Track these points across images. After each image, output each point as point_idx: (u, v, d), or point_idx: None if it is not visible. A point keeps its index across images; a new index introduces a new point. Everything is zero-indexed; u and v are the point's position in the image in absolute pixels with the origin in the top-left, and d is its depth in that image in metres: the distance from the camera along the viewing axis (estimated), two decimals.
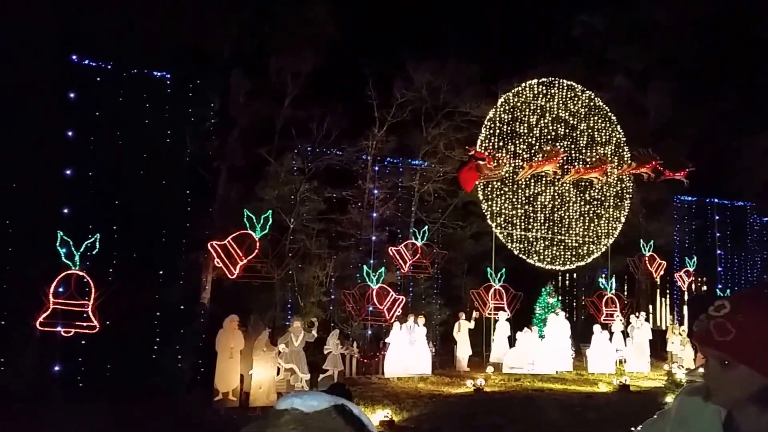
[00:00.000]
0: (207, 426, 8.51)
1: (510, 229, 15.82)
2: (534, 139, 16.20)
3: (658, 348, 16.53)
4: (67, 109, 10.08)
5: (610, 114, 17.16)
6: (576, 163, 16.52)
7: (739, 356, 1.21)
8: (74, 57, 10.19)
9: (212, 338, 9.67)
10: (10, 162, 9.34)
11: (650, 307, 19.85)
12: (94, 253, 9.10)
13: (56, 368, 9.48)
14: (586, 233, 16.66)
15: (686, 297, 19.41)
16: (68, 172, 9.94)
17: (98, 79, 10.33)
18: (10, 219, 9.71)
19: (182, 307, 10.99)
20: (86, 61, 10.25)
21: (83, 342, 9.57)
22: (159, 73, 10.91)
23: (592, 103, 17.03)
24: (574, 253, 16.51)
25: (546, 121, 16.44)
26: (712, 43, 18.95)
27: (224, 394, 9.33)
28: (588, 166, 16.50)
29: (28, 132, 9.53)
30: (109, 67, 10.41)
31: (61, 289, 8.91)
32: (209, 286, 12.14)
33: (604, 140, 17.02)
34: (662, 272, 16.69)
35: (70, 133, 10.01)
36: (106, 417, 8.30)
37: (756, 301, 1.23)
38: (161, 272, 10.71)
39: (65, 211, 9.78)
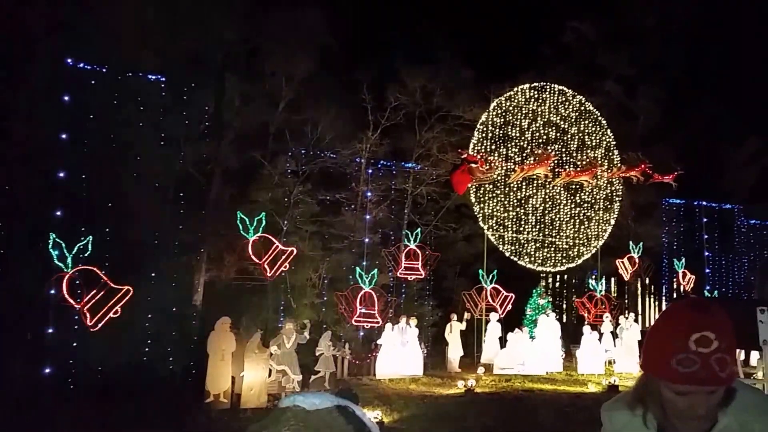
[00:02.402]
0: (198, 428, 8.54)
1: (502, 231, 15.97)
2: (525, 142, 16.38)
3: None
4: (61, 112, 10.12)
5: (600, 118, 17.37)
6: (567, 167, 16.70)
7: (732, 381, 1.24)
8: (69, 60, 10.22)
9: (204, 340, 9.70)
10: (4, 164, 9.36)
11: (639, 308, 20.09)
12: (86, 255, 9.13)
13: (47, 370, 9.48)
14: (576, 235, 16.85)
15: (674, 297, 19.64)
16: (61, 174, 9.96)
17: (92, 82, 10.37)
18: (3, 221, 9.71)
19: (174, 309, 11.02)
20: (81, 65, 10.29)
21: (74, 344, 9.58)
22: (153, 77, 10.96)
23: (582, 108, 17.23)
24: (564, 254, 16.69)
25: (537, 124, 16.62)
26: (700, 50, 19.26)
27: (215, 396, 9.37)
28: (578, 169, 16.70)
29: (21, 134, 9.55)
30: (104, 70, 10.45)
31: (52, 291, 8.94)
32: (201, 288, 12.17)
33: (594, 144, 17.23)
34: (648, 275, 16.90)
35: (63, 136, 10.04)
36: (97, 419, 8.33)
37: (729, 323, 1.25)
38: (153, 274, 10.74)
39: (58, 213, 9.80)
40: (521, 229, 16.19)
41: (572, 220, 16.85)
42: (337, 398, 0.92)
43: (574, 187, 16.89)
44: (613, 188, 17.45)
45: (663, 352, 1.26)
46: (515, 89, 16.37)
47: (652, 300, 21.20)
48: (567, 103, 17.04)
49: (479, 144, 15.74)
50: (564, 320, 18.74)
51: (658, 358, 1.27)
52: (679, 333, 1.24)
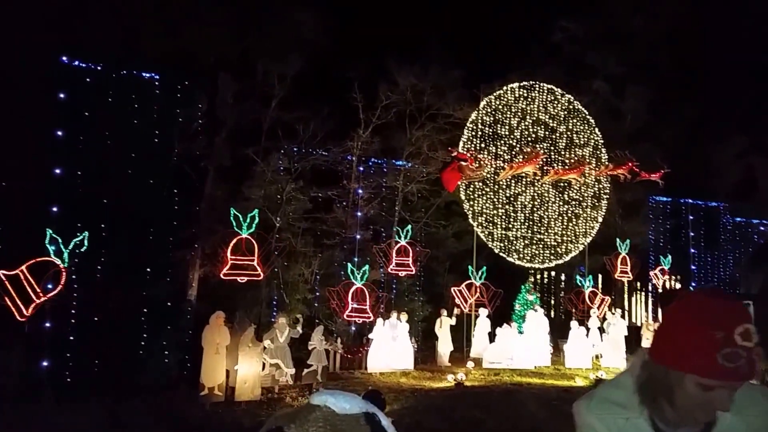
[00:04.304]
0: (193, 420, 8.71)
1: (491, 228, 16.21)
2: (515, 140, 16.62)
3: (633, 344, 17.04)
4: (57, 109, 10.23)
5: (588, 117, 17.65)
6: (555, 165, 16.97)
7: None
8: (64, 58, 10.32)
9: (199, 334, 9.84)
10: (0, 160, 9.47)
11: (626, 303, 20.45)
12: (82, 250, 9.27)
13: (44, 364, 9.61)
14: (564, 232, 17.12)
15: (660, 293, 20.00)
16: (57, 171, 10.09)
17: (88, 80, 10.49)
18: (0, 216, 9.83)
19: (169, 304, 11.17)
20: (76, 63, 10.39)
21: (71, 338, 9.72)
22: (148, 75, 11.09)
23: (571, 107, 17.49)
24: (552, 251, 16.96)
25: (526, 123, 16.87)
26: (687, 50, 19.58)
27: (210, 389, 9.51)
28: (567, 167, 16.97)
29: (18, 131, 9.66)
30: (99, 68, 10.56)
31: (49, 286, 9.07)
32: (196, 284, 12.34)
33: (582, 142, 17.51)
34: (635, 272, 17.22)
35: (59, 133, 10.16)
36: (93, 412, 8.45)
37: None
38: (149, 270, 10.88)
39: (54, 209, 9.93)
40: (510, 226, 16.44)
41: (560, 218, 17.13)
42: (366, 404, 0.92)
43: (562, 184, 17.16)
44: (601, 186, 17.74)
45: (706, 346, 1.17)
46: (505, 88, 16.60)
47: (638, 296, 21.59)
48: (556, 102, 17.31)
49: (469, 142, 15.96)
50: (552, 315, 19.05)
51: (699, 353, 1.18)
52: (723, 326, 1.16)
